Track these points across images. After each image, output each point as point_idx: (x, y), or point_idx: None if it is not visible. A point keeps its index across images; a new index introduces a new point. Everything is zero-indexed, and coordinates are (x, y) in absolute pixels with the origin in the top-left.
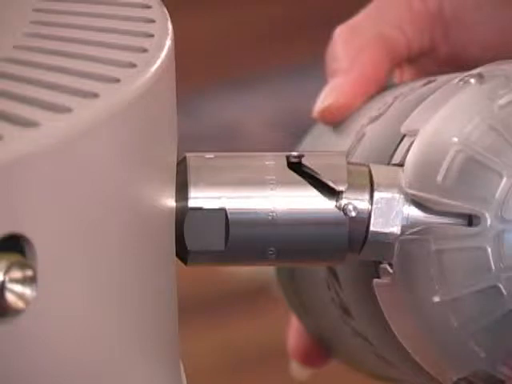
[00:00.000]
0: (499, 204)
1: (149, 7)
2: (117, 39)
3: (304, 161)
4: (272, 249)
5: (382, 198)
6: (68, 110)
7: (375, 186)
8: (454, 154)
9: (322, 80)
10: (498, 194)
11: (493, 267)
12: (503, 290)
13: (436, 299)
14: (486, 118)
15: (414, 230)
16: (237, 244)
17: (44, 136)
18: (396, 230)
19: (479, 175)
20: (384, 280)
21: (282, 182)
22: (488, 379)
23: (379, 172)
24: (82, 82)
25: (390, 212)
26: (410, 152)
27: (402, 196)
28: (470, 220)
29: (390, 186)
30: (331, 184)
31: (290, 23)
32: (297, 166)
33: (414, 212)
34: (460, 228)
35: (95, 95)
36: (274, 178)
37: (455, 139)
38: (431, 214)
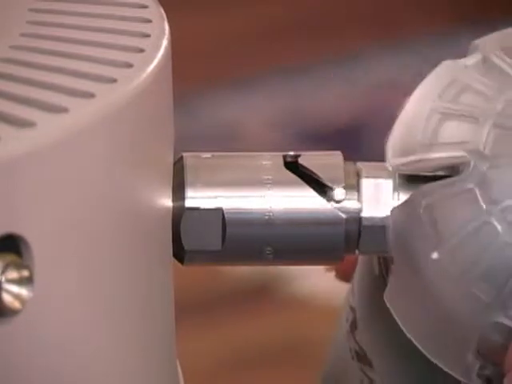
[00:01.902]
0: (480, 145)
1: (145, 7)
2: (113, 39)
3: (301, 160)
4: (269, 248)
5: (369, 184)
6: (64, 110)
7: (363, 176)
8: (428, 115)
9: (321, 80)
10: (476, 137)
11: (483, 205)
12: (497, 226)
13: (435, 256)
14: (456, 79)
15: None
16: (234, 244)
17: (40, 136)
18: (387, 212)
19: (456, 126)
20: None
21: (278, 182)
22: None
23: (366, 165)
24: (79, 82)
25: (379, 196)
26: (394, 127)
27: (389, 180)
28: (456, 171)
29: (377, 173)
30: (328, 183)
31: (290, 23)
32: (294, 166)
33: (404, 191)
34: (446, 179)
35: (91, 95)
36: (270, 177)
37: (430, 101)
38: (419, 182)
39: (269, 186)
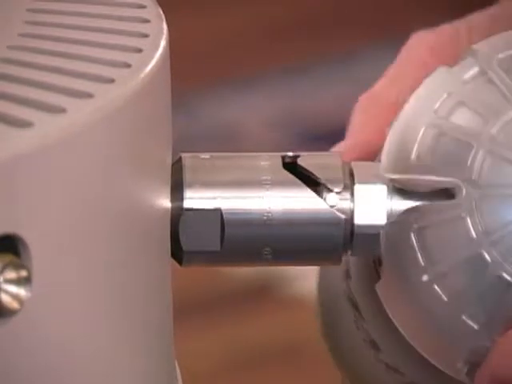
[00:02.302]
0: (473, 173)
1: (143, 7)
2: (111, 39)
3: (299, 161)
4: (268, 249)
5: (363, 191)
6: (62, 110)
7: (355, 180)
8: (424, 131)
9: (321, 80)
10: (470, 163)
11: (474, 235)
12: (487, 257)
13: (425, 278)
14: (452, 93)
15: (397, 214)
16: (232, 244)
17: (38, 136)
18: (381, 220)
19: (450, 148)
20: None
21: (277, 183)
22: None
23: (359, 167)
24: (76, 82)
25: (372, 203)
26: (387, 138)
27: (384, 186)
28: (449, 195)
29: (370, 178)
30: (327, 184)
31: (290, 23)
32: (292, 167)
33: (397, 199)
34: (439, 203)
35: (89, 95)
36: (269, 178)
37: (425, 117)
38: (413, 197)
39: (267, 186)
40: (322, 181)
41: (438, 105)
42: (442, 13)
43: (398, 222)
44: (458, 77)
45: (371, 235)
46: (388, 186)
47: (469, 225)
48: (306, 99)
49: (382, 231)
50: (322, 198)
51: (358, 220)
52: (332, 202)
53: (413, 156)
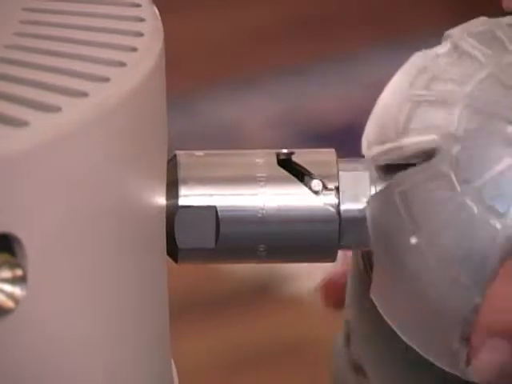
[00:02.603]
0: (451, 128)
1: (138, 6)
2: (106, 38)
3: (294, 158)
4: (263, 246)
5: (347, 176)
6: (57, 109)
7: (339, 168)
8: (401, 105)
9: (321, 80)
10: (447, 120)
11: (457, 187)
12: (473, 206)
13: (413, 240)
14: (427, 68)
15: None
16: (227, 242)
17: (33, 135)
18: (365, 202)
19: (428, 112)
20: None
21: (272, 179)
22: None
23: (344, 160)
24: (72, 81)
25: (356, 187)
26: (368, 122)
27: (367, 172)
28: (431, 156)
29: (354, 165)
30: (322, 181)
31: (289, 23)
32: (287, 163)
33: (381, 180)
34: (419, 165)
35: (84, 94)
36: (264, 175)
37: (401, 90)
38: (396, 171)
39: (262, 183)
40: (317, 177)
41: (412, 79)
42: (442, 13)
43: (380, 193)
44: (432, 54)
45: (358, 220)
46: (370, 170)
47: (452, 178)
48: (306, 99)
49: (367, 211)
50: (316, 194)
51: (344, 206)
52: (326, 199)
53: (392, 128)
